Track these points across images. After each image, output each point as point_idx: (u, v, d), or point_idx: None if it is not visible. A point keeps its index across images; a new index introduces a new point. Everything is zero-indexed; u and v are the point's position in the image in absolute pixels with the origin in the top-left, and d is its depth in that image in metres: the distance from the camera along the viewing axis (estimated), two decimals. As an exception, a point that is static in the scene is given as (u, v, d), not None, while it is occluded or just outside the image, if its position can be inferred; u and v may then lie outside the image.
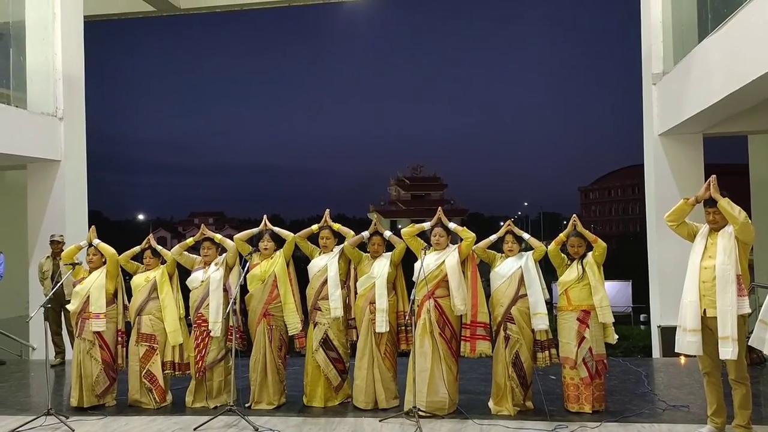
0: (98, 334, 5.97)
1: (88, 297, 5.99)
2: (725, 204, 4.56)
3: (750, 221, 4.53)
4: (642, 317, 21.54)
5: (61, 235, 8.23)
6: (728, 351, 4.45)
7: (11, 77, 9.36)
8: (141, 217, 68.49)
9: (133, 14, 13.10)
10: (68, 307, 6.27)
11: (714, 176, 4.67)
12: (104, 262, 6.14)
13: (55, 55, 9.67)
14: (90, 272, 6.15)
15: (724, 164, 21.83)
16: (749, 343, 4.63)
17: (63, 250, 7.37)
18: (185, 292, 6.18)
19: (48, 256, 8.20)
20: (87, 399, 5.95)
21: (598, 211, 73.88)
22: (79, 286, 6.09)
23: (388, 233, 5.93)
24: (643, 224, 10.26)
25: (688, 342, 4.65)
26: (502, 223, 5.90)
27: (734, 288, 4.50)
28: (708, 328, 4.62)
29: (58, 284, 6.85)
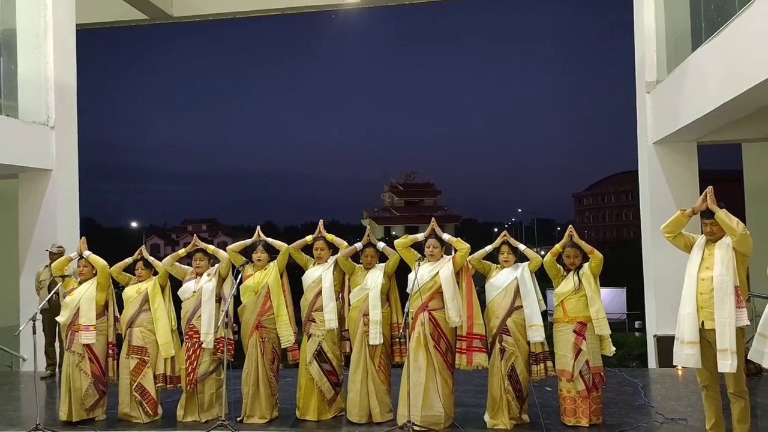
0: (88, 346, 5.88)
1: (78, 309, 5.90)
2: (723, 215, 4.52)
3: (748, 233, 4.49)
4: (637, 324, 21.48)
5: (60, 246, 8.12)
6: (727, 364, 4.41)
7: (2, 86, 9.25)
8: (134, 224, 68.06)
9: (125, 22, 13.04)
10: (57, 318, 6.16)
11: (711, 187, 4.63)
12: (95, 274, 6.06)
13: (47, 63, 9.57)
14: (80, 284, 6.06)
15: (719, 170, 21.94)
16: (748, 357, 4.59)
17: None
18: (177, 303, 6.11)
19: (46, 266, 8.09)
20: (76, 413, 5.85)
21: (591, 218, 73.91)
22: (68, 298, 6.00)
23: (381, 245, 5.87)
24: (636, 230, 10.25)
25: (686, 354, 4.61)
26: (496, 230, 5.87)
27: (732, 300, 4.46)
28: (706, 340, 4.57)
29: (51, 293, 6.74)
